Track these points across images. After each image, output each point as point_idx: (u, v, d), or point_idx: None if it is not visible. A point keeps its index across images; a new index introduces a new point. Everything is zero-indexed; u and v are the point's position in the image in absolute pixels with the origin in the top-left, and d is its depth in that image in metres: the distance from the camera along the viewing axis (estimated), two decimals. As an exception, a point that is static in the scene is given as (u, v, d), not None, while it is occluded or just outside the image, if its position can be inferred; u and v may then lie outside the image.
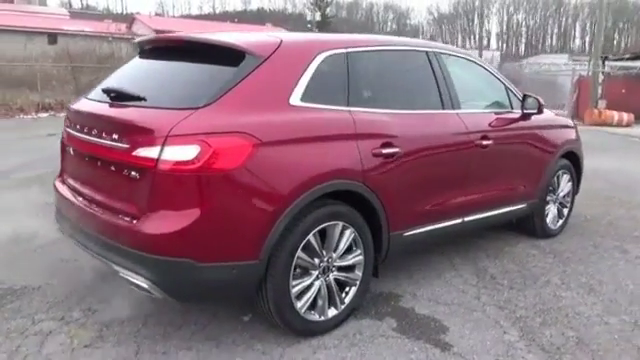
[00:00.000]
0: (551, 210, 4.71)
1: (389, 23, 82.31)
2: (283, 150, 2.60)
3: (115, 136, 2.57)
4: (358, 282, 3.06)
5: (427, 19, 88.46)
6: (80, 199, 2.91)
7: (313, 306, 2.87)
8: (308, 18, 62.36)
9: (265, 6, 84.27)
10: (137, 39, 3.21)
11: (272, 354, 2.72)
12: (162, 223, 2.41)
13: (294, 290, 2.73)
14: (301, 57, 2.84)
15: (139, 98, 2.65)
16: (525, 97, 4.11)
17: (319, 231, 2.80)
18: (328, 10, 72.58)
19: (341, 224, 2.88)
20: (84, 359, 2.66)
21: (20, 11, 37.04)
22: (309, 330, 2.86)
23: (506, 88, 4.16)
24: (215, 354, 2.71)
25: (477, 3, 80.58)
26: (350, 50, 3.08)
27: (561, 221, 4.86)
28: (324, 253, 2.86)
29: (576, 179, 4.93)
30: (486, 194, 3.86)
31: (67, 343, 2.79)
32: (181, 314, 3.12)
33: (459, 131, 3.55)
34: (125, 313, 3.12)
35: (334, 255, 2.91)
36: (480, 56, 34.61)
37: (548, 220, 4.67)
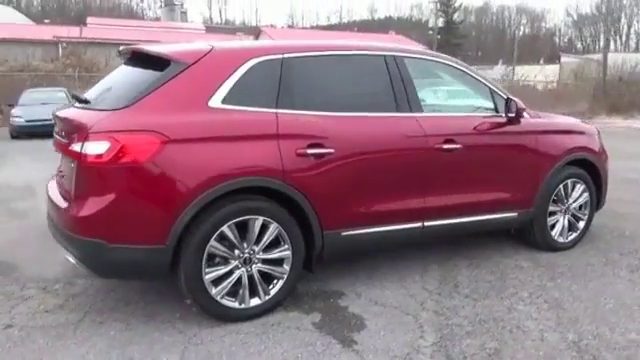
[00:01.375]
0: (559, 222, 4.40)
1: (522, 27, 77.96)
2: (193, 147, 2.88)
3: (64, 134, 3.04)
4: (285, 276, 3.22)
5: (565, 21, 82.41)
6: (56, 191, 3.41)
7: (234, 294, 3.09)
8: (430, 25, 61.48)
9: (392, 14, 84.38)
10: (120, 49, 3.67)
11: (187, 333, 2.99)
12: (81, 208, 2.81)
13: (208, 276, 2.98)
14: (227, 63, 3.09)
15: (87, 102, 3.10)
16: (507, 101, 3.92)
17: (239, 224, 3.02)
18: (456, 16, 70.87)
19: (262, 219, 3.07)
20: (38, 321, 3.15)
21: (164, 27, 41.29)
22: (227, 315, 3.09)
23: (491, 92, 4.01)
24: (140, 328, 3.05)
25: (625, 1, 73.31)
26: (287, 56, 3.27)
27: (574, 235, 4.50)
28: (245, 245, 3.07)
29: (595, 191, 4.53)
30: (455, 199, 3.77)
31: (34, 307, 3.32)
32: (139, 293, 3.51)
33: (413, 134, 3.53)
34: (95, 287, 3.59)
35: (256, 248, 3.10)
36: (623, 59, 31.45)
37: (554, 232, 4.37)
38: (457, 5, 69.99)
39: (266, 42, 3.50)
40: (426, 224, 3.68)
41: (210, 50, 3.11)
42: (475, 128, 3.84)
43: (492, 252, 4.37)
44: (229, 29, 50.11)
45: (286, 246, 3.18)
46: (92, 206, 2.79)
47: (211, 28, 44.56)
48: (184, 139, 2.86)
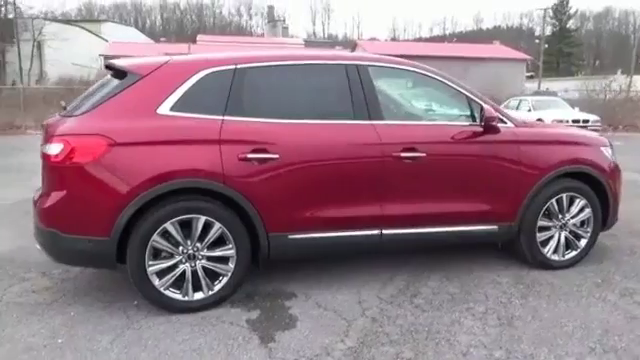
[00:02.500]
0: (553, 238, 4.14)
1: (648, 34, 71.26)
2: (137, 150, 3.18)
3: (43, 138, 3.49)
4: (230, 273, 3.40)
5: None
6: None
7: (179, 286, 3.34)
8: (536, 33, 58.27)
9: (499, 23, 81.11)
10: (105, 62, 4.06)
11: (133, 319, 3.27)
12: (43, 201, 3.22)
13: (151, 269, 3.25)
14: (179, 74, 3.37)
15: (66, 110, 3.53)
16: (481, 109, 3.80)
17: (182, 222, 3.27)
18: (570, 22, 66.54)
19: (204, 218, 3.29)
20: (22, 299, 3.60)
21: (265, 43, 43.33)
22: (171, 306, 3.33)
23: (469, 100, 3.91)
24: (97, 312, 3.38)
25: None
26: (239, 66, 3.48)
27: (573, 253, 4.21)
28: (188, 242, 3.30)
29: (600, 207, 4.21)
30: (420, 209, 3.73)
31: (26, 287, 3.80)
32: (116, 282, 3.86)
33: (368, 142, 3.56)
34: (85, 275, 4.01)
35: (200, 245, 3.33)
36: None
37: (547, 249, 4.13)
38: (572, 12, 65.79)
39: (222, 54, 3.69)
40: (385, 232, 3.68)
41: (164, 63, 3.41)
42: (442, 137, 3.77)
43: (477, 266, 4.22)
44: (327, 43, 51.33)
45: (230, 245, 3.37)
46: (50, 199, 3.18)
47: (310, 42, 45.95)
48: (129, 142, 3.17)
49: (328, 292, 3.69)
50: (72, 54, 31.99)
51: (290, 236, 3.49)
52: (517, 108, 17.74)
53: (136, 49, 34.44)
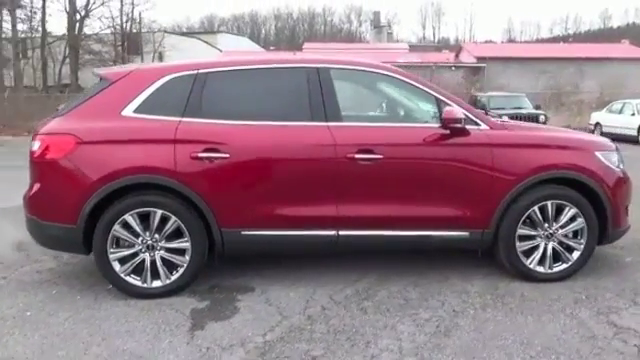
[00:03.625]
0: (538, 248, 3.87)
1: None
2: (101, 148, 3.54)
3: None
4: (186, 265, 3.64)
5: None
6: None
7: (140, 274, 3.64)
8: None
9: (632, 20, 73.57)
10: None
11: (98, 301, 3.62)
12: (28, 192, 3.70)
13: (112, 256, 3.58)
14: (144, 80, 3.68)
15: (57, 110, 4.01)
16: (442, 111, 3.67)
17: (142, 214, 3.57)
18: None
19: (160, 212, 3.56)
20: (26, 277, 4.10)
21: (370, 49, 43.54)
22: (131, 291, 3.63)
23: (438, 102, 3.79)
24: (74, 292, 3.76)
25: None
26: (201, 71, 3.71)
27: (563, 266, 3.90)
28: (147, 233, 3.60)
29: (596, 218, 3.85)
30: (378, 211, 3.69)
31: (35, 268, 4.32)
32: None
33: (322, 143, 3.61)
34: (87, 260, 4.47)
35: (158, 237, 3.61)
36: None
37: (530, 260, 3.86)
38: None
39: (187, 60, 3.93)
40: (341, 233, 3.70)
41: (133, 70, 3.75)
42: (403, 139, 3.71)
43: (455, 273, 4.06)
44: (433, 47, 50.28)
45: (186, 238, 3.61)
46: (31, 190, 3.65)
47: (415, 47, 45.32)
48: (93, 141, 3.53)
49: (286, 289, 3.78)
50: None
51: (243, 232, 3.65)
52: (620, 112, 16.19)
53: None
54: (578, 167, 3.81)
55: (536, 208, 3.80)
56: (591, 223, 3.85)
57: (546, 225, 3.85)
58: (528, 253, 3.88)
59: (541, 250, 3.88)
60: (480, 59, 33.52)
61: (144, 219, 3.58)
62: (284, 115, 3.72)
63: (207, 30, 60.22)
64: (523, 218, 3.81)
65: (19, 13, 28.79)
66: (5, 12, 27.57)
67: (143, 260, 3.62)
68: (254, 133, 3.64)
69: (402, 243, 3.83)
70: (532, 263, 3.87)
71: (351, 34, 72.77)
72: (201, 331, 3.17)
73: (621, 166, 4.07)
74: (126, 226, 3.57)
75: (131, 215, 3.55)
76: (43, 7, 30.64)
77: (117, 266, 3.60)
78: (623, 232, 4.08)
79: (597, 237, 3.92)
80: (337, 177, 3.64)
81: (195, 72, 3.71)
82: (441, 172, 3.74)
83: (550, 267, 3.89)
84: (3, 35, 28.18)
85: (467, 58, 35.76)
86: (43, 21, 30.56)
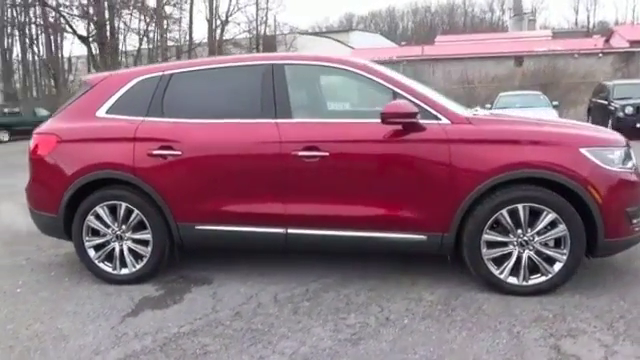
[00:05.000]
0: (510, 257, 3.45)
1: None
2: (76, 146, 3.92)
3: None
4: (149, 255, 3.88)
5: None
6: None
7: (112, 261, 3.97)
8: None
9: None
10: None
11: (80, 284, 4.02)
12: (27, 184, 4.23)
13: (87, 244, 3.95)
14: (117, 83, 3.99)
15: (55, 110, 4.50)
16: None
17: (110, 207, 3.89)
18: None
19: (124, 205, 3.85)
20: (43, 259, 4.69)
21: (507, 38, 40.98)
22: (104, 277, 3.97)
23: (395, 96, 3.55)
24: (61, 274, 4.22)
25: None
26: (165, 73, 3.92)
27: (542, 278, 3.43)
28: (115, 224, 3.91)
29: (582, 226, 3.32)
30: (326, 210, 3.58)
31: (53, 252, 4.89)
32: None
33: (268, 140, 3.60)
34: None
35: (125, 228, 3.90)
36: None
37: (500, 270, 3.46)
38: None
39: (158, 64, 4.13)
40: (290, 231, 3.66)
41: (109, 74, 4.08)
42: (350, 135, 3.54)
43: (423, 280, 3.78)
44: (582, 32, 45.40)
45: (148, 230, 3.85)
46: (28, 183, 4.16)
47: (558, 33, 41.50)
48: (70, 139, 3.93)
49: (240, 284, 3.83)
50: (319, 63, 35.61)
51: (197, 227, 3.78)
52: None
53: (374, 53, 36.65)
54: (554, 166, 3.31)
55: (504, 211, 3.39)
56: (575, 231, 3.33)
57: (519, 231, 3.41)
58: (499, 262, 3.47)
59: (513, 259, 3.44)
60: (634, 43, 29.74)
61: (113, 211, 3.89)
62: (237, 113, 3.77)
63: (344, 29, 61.28)
64: (490, 222, 3.42)
65: (165, 23, 31.99)
66: (150, 21, 30.85)
67: (114, 249, 3.94)
68: (205, 131, 3.75)
69: (353, 244, 3.67)
70: (503, 273, 3.46)
71: (493, 24, 68.80)
72: (133, 318, 3.37)
73: (629, 165, 3.45)
74: (98, 217, 3.91)
75: (101, 207, 3.88)
76: (190, 17, 34.02)
77: (92, 253, 3.96)
78: (626, 244, 3.46)
79: (584, 248, 3.37)
80: (284, 174, 3.61)
81: (160, 74, 3.93)
82: (391, 170, 3.51)
83: (525, 279, 3.45)
84: (151, 45, 31.68)
85: (619, 43, 31.94)
86: (190, 29, 33.81)
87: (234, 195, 3.70)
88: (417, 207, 3.48)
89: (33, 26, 32.94)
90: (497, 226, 3.44)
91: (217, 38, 34.38)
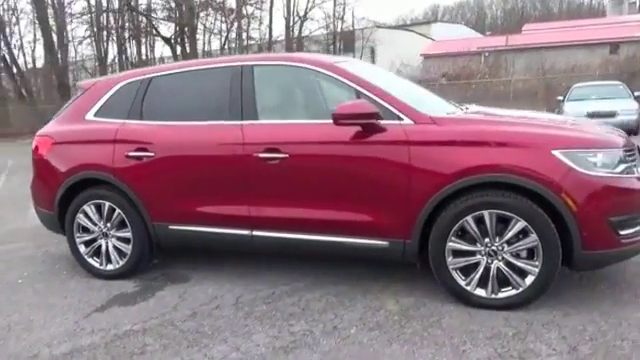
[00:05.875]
0: (478, 268, 3.20)
1: None
2: (67, 147, 4.14)
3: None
4: (130, 252, 4.03)
5: None
6: None
7: (99, 256, 4.16)
8: None
9: None
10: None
11: (74, 277, 4.26)
12: (31, 183, 4.53)
13: (78, 240, 4.17)
14: (104, 88, 4.15)
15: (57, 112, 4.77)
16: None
17: (96, 205, 4.08)
18: None
19: (108, 204, 4.01)
20: (50, 252, 5.02)
21: (602, 24, 37.94)
22: (93, 272, 4.17)
23: (359, 95, 3.39)
24: (61, 268, 4.48)
25: None
26: (147, 76, 4.03)
27: (513, 292, 3.15)
28: (101, 222, 4.09)
29: (556, 236, 3.01)
30: (287, 213, 3.51)
31: (62, 248, 5.19)
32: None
33: (232, 142, 3.58)
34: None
35: (109, 225, 4.07)
36: None
37: (469, 280, 3.22)
38: None
39: (143, 68, 4.21)
40: (255, 233, 3.63)
41: (99, 80, 4.26)
42: (309, 137, 3.44)
43: (395, 287, 3.60)
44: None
45: (128, 229, 3.99)
46: (32, 182, 4.46)
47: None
48: (62, 141, 4.16)
49: (210, 285, 3.86)
50: (398, 55, 35.05)
51: (170, 227, 3.87)
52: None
53: (455, 45, 35.48)
54: (521, 169, 3.01)
55: (470, 218, 3.14)
56: (548, 241, 3.02)
57: (486, 240, 3.15)
58: (466, 272, 3.23)
59: (481, 270, 3.19)
60: None
61: (99, 210, 4.07)
62: (207, 115, 3.78)
63: (428, 20, 59.75)
64: (455, 229, 3.18)
65: (243, 23, 32.90)
66: (232, 21, 31.86)
67: (100, 245, 4.12)
68: (176, 133, 3.81)
69: (317, 248, 3.56)
70: (470, 284, 3.22)
71: (593, 9, 63.98)
72: (99, 313, 3.51)
73: (619, 169, 3.07)
74: (86, 215, 4.11)
75: (89, 206, 4.07)
76: (270, 16, 34.84)
77: (82, 248, 4.17)
78: (613, 256, 3.09)
79: (559, 260, 3.05)
80: (247, 176, 3.58)
81: (141, 78, 4.05)
82: (350, 173, 3.36)
83: (494, 291, 3.18)
84: (232, 45, 32.76)
85: None
86: (270, 27, 34.56)
87: (202, 196, 3.74)
88: (377, 212, 3.32)
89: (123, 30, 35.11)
90: (463, 234, 3.19)
91: (295, 35, 34.81)
